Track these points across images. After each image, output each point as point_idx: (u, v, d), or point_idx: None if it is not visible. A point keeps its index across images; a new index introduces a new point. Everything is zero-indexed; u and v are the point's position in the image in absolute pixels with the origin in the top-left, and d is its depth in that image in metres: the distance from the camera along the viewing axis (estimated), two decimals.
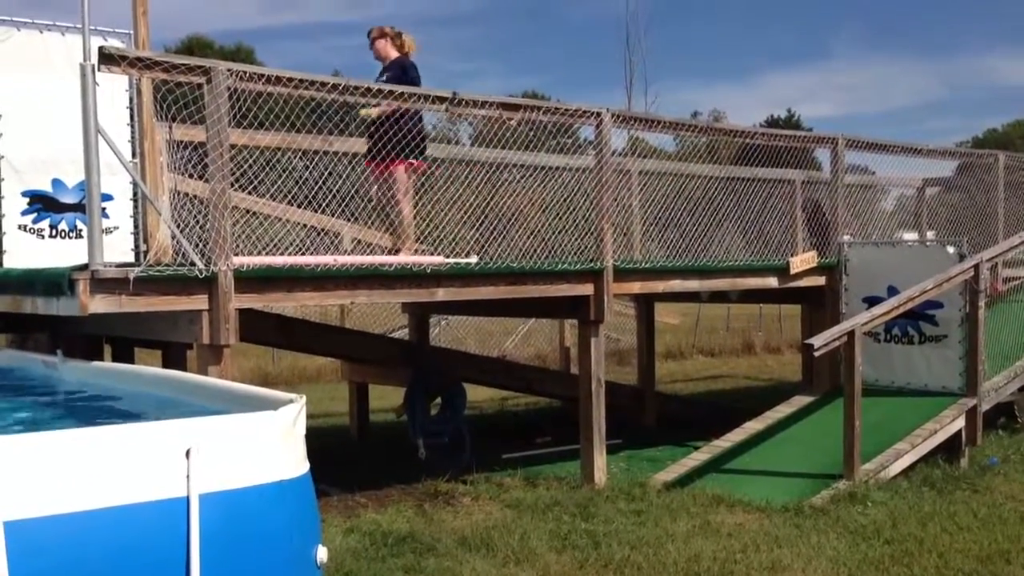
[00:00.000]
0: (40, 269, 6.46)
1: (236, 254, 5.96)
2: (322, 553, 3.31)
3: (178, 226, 5.97)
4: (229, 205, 5.89)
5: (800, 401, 9.44)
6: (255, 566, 3.06)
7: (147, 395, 4.63)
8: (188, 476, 2.91)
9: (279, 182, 7.25)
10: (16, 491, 2.66)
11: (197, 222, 6.03)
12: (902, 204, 12.33)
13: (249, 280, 5.99)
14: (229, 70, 5.90)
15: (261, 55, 48.87)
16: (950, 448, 8.25)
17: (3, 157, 8.01)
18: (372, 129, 7.30)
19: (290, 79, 6.17)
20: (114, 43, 8.05)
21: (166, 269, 5.71)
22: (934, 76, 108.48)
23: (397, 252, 7.43)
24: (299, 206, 7.08)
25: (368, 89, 6.75)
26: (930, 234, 11.50)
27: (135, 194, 8.46)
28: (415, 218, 7.68)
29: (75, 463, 2.78)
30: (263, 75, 6.18)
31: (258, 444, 3.12)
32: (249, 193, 6.60)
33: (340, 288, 6.49)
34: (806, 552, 5.80)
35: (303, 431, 3.33)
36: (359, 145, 7.84)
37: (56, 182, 8.23)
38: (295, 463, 3.25)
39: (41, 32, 8.19)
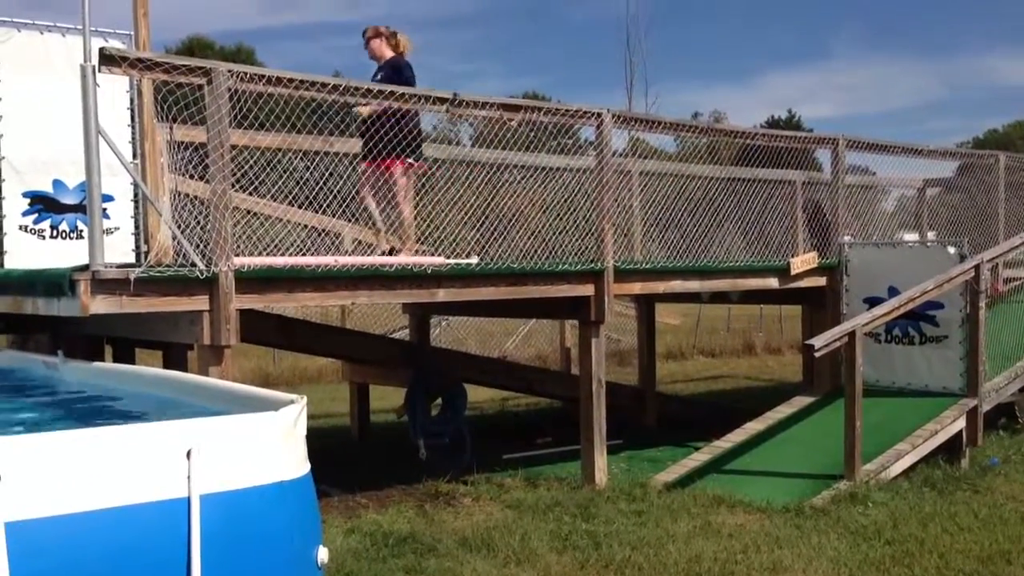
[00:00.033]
0: (41, 270, 6.47)
1: (237, 255, 5.96)
2: (323, 554, 3.31)
3: (179, 227, 5.97)
4: (230, 206, 5.90)
5: (801, 402, 9.44)
6: (256, 567, 3.05)
7: (148, 396, 4.63)
8: (189, 477, 2.91)
9: (280, 183, 7.25)
10: (17, 492, 2.66)
11: (198, 223, 6.03)
12: (903, 205, 12.32)
13: (250, 281, 5.99)
14: (230, 71, 5.91)
15: (261, 56, 48.91)
16: (951, 449, 8.25)
17: (4, 158, 8.02)
18: (364, 128, 7.30)
19: (290, 80, 6.17)
20: (115, 44, 8.06)
21: (167, 270, 5.72)
22: (934, 76, 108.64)
23: (392, 251, 7.42)
24: (300, 207, 7.09)
25: (369, 90, 6.75)
26: (931, 235, 11.50)
27: (136, 195, 8.47)
28: (416, 219, 7.68)
29: (76, 464, 2.77)
30: (264, 76, 6.18)
31: (259, 445, 3.12)
32: (250, 194, 6.60)
33: (341, 289, 6.49)
34: (807, 553, 5.80)
35: (304, 432, 3.33)
36: (359, 146, 7.85)
37: (57, 183, 8.24)
38: (296, 464, 3.25)
39: (42, 33, 8.20)
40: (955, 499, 7.00)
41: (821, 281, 9.64)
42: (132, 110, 8.47)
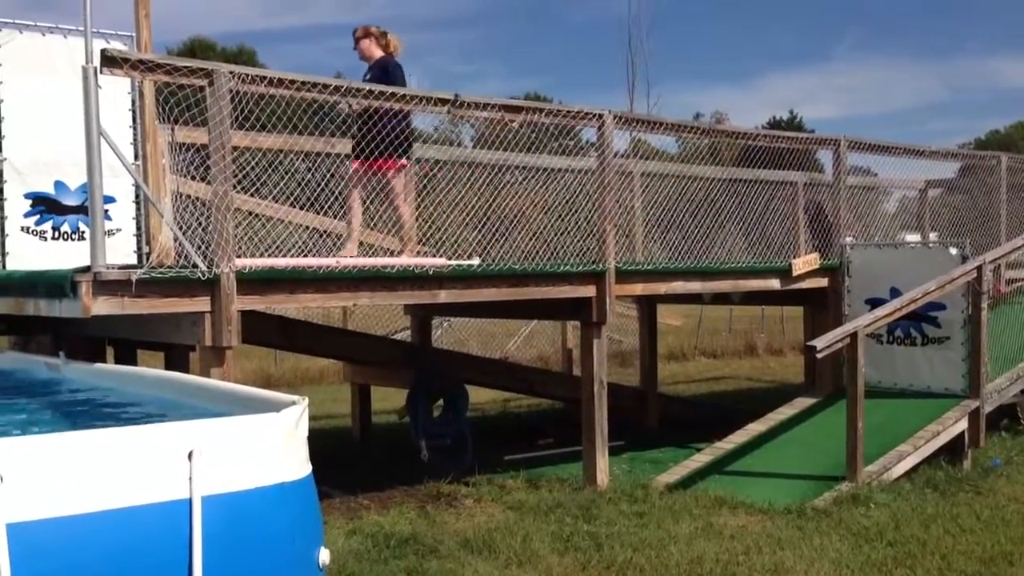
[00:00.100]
0: (43, 271, 6.47)
1: (238, 256, 5.96)
2: (324, 555, 3.31)
3: (180, 228, 5.97)
4: (231, 207, 5.90)
5: (802, 403, 9.43)
6: (257, 568, 3.05)
7: (149, 397, 4.64)
8: (190, 478, 2.91)
9: (281, 184, 7.25)
10: (18, 493, 2.66)
11: (199, 224, 6.03)
12: (904, 206, 12.32)
13: (251, 282, 5.99)
14: (231, 72, 5.91)
15: (263, 57, 48.92)
16: (953, 450, 8.25)
17: (6, 159, 8.03)
18: (355, 128, 7.29)
19: (292, 81, 6.17)
20: (116, 45, 8.07)
21: (168, 271, 5.72)
22: (936, 77, 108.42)
23: (395, 253, 7.41)
24: (301, 208, 7.09)
25: (370, 91, 6.75)
26: (932, 236, 11.48)
27: (137, 196, 8.48)
28: (417, 220, 7.68)
29: (77, 465, 2.77)
30: (265, 77, 6.17)
31: (260, 446, 3.12)
32: (251, 195, 6.60)
33: (342, 290, 6.49)
34: (809, 554, 5.80)
35: (305, 433, 3.33)
36: (349, 146, 7.83)
37: (58, 184, 8.25)
38: (297, 465, 3.25)
39: (43, 35, 8.22)
40: (957, 500, 6.99)
41: (823, 282, 9.64)
42: (134, 111, 8.48)
